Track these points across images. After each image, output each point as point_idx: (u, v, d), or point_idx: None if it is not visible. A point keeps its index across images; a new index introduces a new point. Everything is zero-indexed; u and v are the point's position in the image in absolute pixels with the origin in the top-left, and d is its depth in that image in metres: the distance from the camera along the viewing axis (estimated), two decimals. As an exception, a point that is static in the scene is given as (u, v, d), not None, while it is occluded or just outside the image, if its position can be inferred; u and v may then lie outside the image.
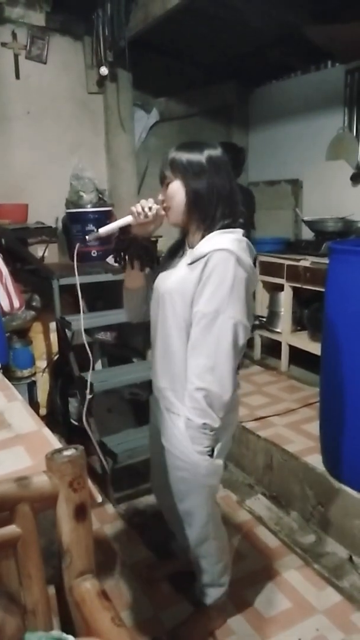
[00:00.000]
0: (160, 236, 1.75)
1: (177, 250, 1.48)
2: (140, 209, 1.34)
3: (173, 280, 1.39)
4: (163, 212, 1.37)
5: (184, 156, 1.34)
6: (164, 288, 1.41)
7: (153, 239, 1.45)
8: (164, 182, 1.40)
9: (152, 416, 1.64)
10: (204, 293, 1.30)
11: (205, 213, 1.35)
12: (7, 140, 3.31)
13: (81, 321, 1.61)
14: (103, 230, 1.37)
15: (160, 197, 1.39)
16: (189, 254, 1.39)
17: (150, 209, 1.34)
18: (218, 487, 1.57)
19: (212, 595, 1.69)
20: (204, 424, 1.34)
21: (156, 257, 1.48)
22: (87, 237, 1.39)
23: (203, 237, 1.36)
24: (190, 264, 1.34)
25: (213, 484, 1.49)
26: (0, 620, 0.75)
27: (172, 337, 1.39)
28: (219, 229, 1.34)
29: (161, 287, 1.43)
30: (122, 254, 1.42)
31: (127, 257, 1.41)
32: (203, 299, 1.30)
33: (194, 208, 1.35)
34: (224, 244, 1.29)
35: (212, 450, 1.41)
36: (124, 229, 1.39)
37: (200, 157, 1.33)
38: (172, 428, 1.45)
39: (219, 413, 1.35)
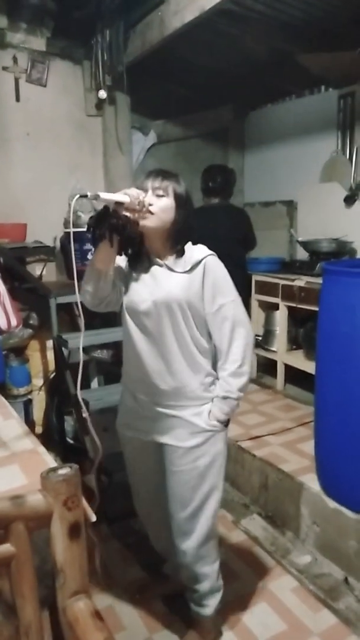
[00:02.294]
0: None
1: (136, 261, 1.55)
2: (136, 194, 1.39)
3: (173, 288, 1.48)
4: (150, 211, 1.43)
5: (176, 181, 1.50)
6: (164, 297, 1.48)
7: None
8: (150, 190, 1.46)
9: (142, 429, 1.64)
10: (218, 290, 1.50)
11: (186, 235, 1.52)
12: (7, 161, 3.36)
13: (81, 339, 1.61)
14: (103, 194, 1.35)
15: (148, 198, 1.44)
16: (174, 264, 1.51)
17: (143, 198, 1.41)
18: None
19: (212, 604, 1.69)
20: (242, 396, 1.56)
21: (136, 248, 1.51)
22: (88, 193, 1.33)
23: (176, 251, 1.52)
24: (189, 270, 1.49)
25: (225, 450, 1.63)
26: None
27: (189, 336, 1.51)
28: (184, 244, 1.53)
29: (155, 297, 1.49)
30: (108, 229, 1.38)
31: (111, 235, 1.39)
32: (220, 295, 1.50)
33: (178, 230, 1.50)
34: (206, 250, 1.54)
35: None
36: (117, 208, 1.38)
37: (184, 187, 1.52)
38: (184, 423, 1.55)
39: None
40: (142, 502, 1.82)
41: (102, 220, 1.37)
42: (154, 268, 1.53)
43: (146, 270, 1.54)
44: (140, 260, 1.54)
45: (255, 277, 3.68)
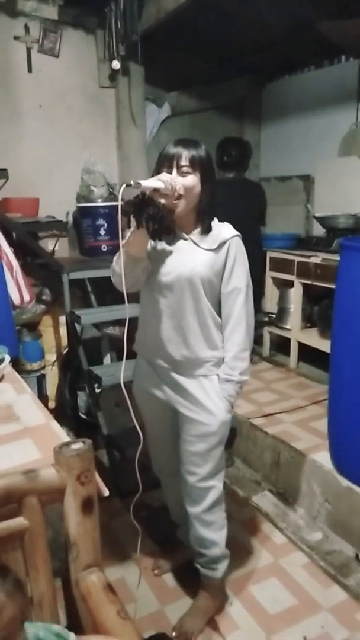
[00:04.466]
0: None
1: (160, 235, 1.47)
2: (169, 179, 1.38)
3: (199, 265, 1.49)
4: (180, 195, 1.42)
5: (201, 153, 1.46)
6: (190, 272, 1.49)
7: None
8: (176, 170, 1.43)
9: (159, 392, 1.68)
10: (235, 272, 1.52)
11: (213, 208, 1.52)
12: (19, 134, 3.31)
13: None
14: (144, 182, 1.32)
15: (176, 181, 1.41)
16: (200, 240, 1.51)
17: (176, 183, 1.40)
18: None
19: (221, 567, 1.72)
20: (246, 380, 1.59)
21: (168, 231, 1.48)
22: (131, 182, 1.29)
23: (202, 227, 1.52)
24: (216, 249, 1.50)
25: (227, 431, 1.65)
26: (1, 604, 0.75)
27: (207, 311, 1.54)
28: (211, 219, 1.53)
29: (180, 271, 1.49)
30: (147, 219, 1.35)
31: (148, 224, 1.36)
32: (235, 277, 1.53)
33: (204, 206, 1.49)
34: (233, 230, 1.54)
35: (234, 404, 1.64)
36: (153, 195, 1.36)
37: (208, 156, 1.50)
38: (197, 391, 1.58)
39: None
40: (161, 463, 1.85)
41: (140, 207, 1.35)
42: (179, 242, 1.53)
43: (170, 243, 1.53)
44: (166, 233, 1.49)
45: (270, 254, 3.62)
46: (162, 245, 1.54)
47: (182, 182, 1.42)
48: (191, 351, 1.56)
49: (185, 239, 1.53)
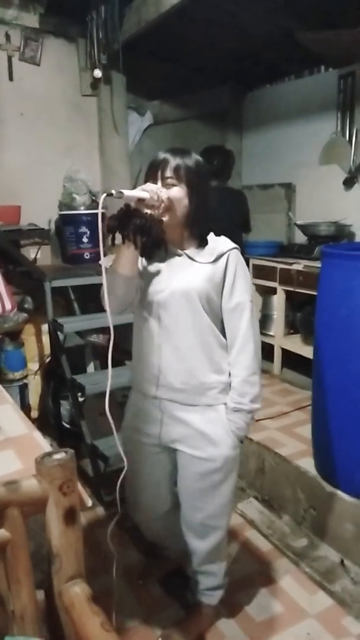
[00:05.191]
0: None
1: (151, 252, 1.44)
2: (155, 189, 1.31)
3: (195, 279, 1.39)
4: (167, 204, 1.34)
5: (188, 163, 1.37)
6: (185, 287, 1.38)
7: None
8: (160, 181, 1.37)
9: (153, 433, 1.54)
10: (237, 286, 1.41)
11: (202, 221, 1.42)
12: (0, 142, 3.29)
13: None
14: (128, 192, 1.25)
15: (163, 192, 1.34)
16: (196, 254, 1.42)
17: (162, 193, 1.32)
18: None
19: (218, 595, 1.70)
20: (259, 408, 1.48)
21: (159, 244, 1.40)
22: (112, 191, 1.22)
23: (198, 241, 1.43)
24: (213, 262, 1.40)
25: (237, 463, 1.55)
26: None
27: (208, 329, 1.43)
28: (206, 233, 1.45)
29: (173, 287, 1.40)
30: (133, 231, 1.28)
31: (135, 236, 1.28)
32: (238, 292, 1.41)
33: (193, 219, 1.40)
34: (231, 243, 1.45)
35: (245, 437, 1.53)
36: (138, 206, 1.29)
37: (198, 166, 1.39)
38: (200, 423, 1.46)
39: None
40: (140, 507, 1.70)
41: (125, 221, 1.28)
42: (173, 258, 1.44)
43: (163, 260, 1.44)
44: (157, 250, 1.44)
45: (252, 261, 3.65)
46: (154, 263, 1.45)
47: (167, 193, 1.34)
48: (192, 376, 1.43)
49: (180, 255, 1.43)
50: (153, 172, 1.38)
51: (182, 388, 1.45)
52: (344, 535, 2.03)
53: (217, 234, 1.49)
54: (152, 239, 1.32)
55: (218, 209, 3.09)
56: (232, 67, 3.92)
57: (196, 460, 1.47)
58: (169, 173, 1.35)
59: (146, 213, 1.29)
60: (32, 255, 3.11)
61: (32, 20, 3.23)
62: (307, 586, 1.91)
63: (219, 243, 1.44)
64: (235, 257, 1.42)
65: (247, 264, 1.33)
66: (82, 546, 1.01)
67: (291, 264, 3.28)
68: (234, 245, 1.44)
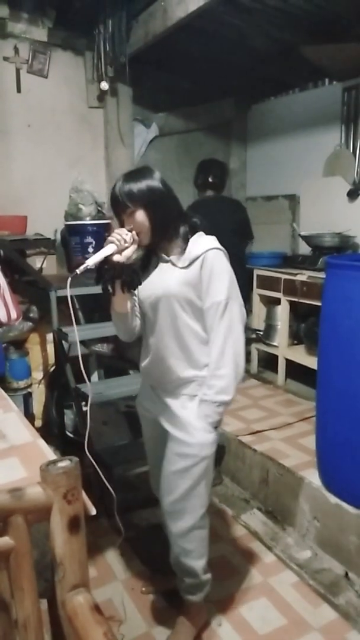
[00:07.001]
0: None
1: (147, 261, 1.59)
2: (119, 237, 1.44)
3: (172, 284, 1.50)
4: (137, 237, 1.47)
5: (141, 186, 1.46)
6: (163, 292, 1.51)
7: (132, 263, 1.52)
8: (122, 212, 1.48)
9: (154, 411, 1.70)
10: (211, 286, 1.48)
11: (173, 228, 1.53)
12: (8, 153, 3.34)
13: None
14: (91, 260, 1.43)
15: (127, 226, 1.48)
16: (177, 259, 1.52)
17: (127, 235, 1.45)
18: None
19: (200, 594, 1.69)
20: (226, 400, 1.54)
21: (140, 279, 1.53)
22: (77, 270, 1.42)
23: (180, 244, 1.53)
24: (188, 266, 1.49)
25: (212, 453, 1.60)
26: None
27: (187, 330, 1.53)
28: (190, 233, 1.53)
29: (157, 292, 1.52)
30: (109, 281, 1.47)
31: (114, 284, 1.47)
32: (213, 291, 1.48)
33: (162, 228, 1.50)
34: (210, 244, 1.50)
35: (218, 423, 1.60)
36: (107, 258, 1.44)
37: (153, 182, 1.48)
38: (178, 410, 1.58)
39: (235, 389, 1.55)
40: (156, 480, 1.81)
41: (102, 276, 1.46)
42: (161, 264, 1.56)
43: (155, 266, 1.57)
44: (150, 260, 1.59)
45: (257, 272, 3.66)
46: (149, 271, 1.58)
47: (128, 226, 1.46)
48: (171, 372, 1.57)
49: (166, 261, 1.55)
50: (114, 207, 1.50)
51: (162, 381, 1.62)
52: (348, 547, 2.02)
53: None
54: (129, 276, 1.46)
55: (216, 217, 3.15)
56: (237, 79, 3.96)
57: (176, 439, 1.58)
58: (126, 202, 1.46)
59: (115, 262, 1.43)
60: (38, 265, 3.13)
61: (40, 34, 3.28)
62: (311, 599, 1.90)
63: (197, 246, 1.51)
64: (211, 258, 1.48)
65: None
66: (86, 555, 1.01)
67: (295, 274, 3.29)
68: (212, 246, 1.49)
